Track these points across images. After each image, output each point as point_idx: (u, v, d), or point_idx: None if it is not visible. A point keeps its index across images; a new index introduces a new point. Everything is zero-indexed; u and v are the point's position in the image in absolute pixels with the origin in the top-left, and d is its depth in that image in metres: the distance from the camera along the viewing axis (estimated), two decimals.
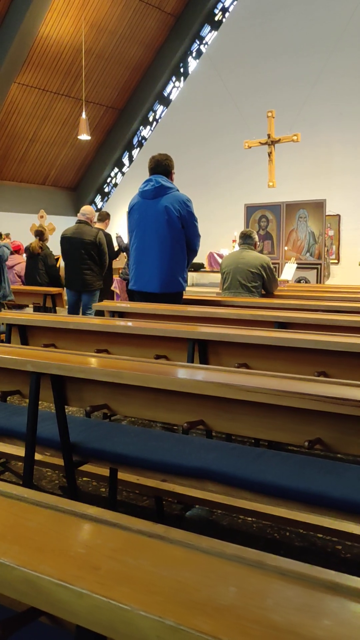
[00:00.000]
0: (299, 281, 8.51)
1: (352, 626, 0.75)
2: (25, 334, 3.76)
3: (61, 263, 7.51)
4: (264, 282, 5.19)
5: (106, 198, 17.18)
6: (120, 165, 16.82)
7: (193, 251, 4.49)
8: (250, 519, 2.65)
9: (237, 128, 13.14)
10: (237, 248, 5.66)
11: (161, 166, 4.44)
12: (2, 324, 4.21)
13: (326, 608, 0.80)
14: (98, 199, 17.31)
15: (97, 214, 7.42)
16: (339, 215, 12.13)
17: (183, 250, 4.40)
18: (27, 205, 15.22)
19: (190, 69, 15.20)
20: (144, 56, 15.14)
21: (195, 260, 6.50)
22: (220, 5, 14.53)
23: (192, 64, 15.16)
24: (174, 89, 15.62)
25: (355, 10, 11.88)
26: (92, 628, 0.84)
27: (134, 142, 16.50)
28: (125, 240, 6.49)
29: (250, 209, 9.21)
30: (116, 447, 2.29)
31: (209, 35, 14.79)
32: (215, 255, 12.00)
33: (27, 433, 2.28)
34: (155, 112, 16.04)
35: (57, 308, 7.57)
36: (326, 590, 0.84)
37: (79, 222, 6.68)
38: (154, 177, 4.40)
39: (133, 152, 16.55)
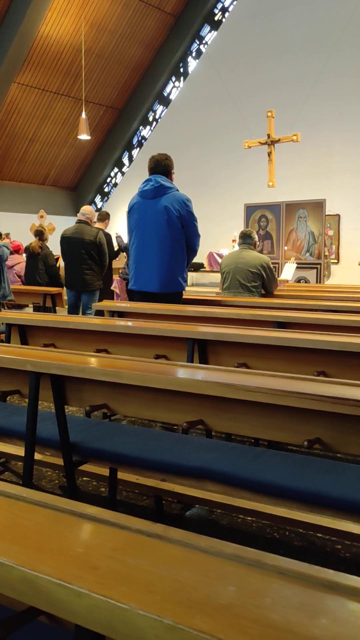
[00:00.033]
0: (298, 281, 8.51)
1: (350, 625, 0.75)
2: (25, 333, 3.76)
3: (61, 263, 7.51)
4: (263, 282, 5.19)
5: (106, 198, 17.18)
6: (120, 165, 16.82)
7: (193, 251, 4.49)
8: (249, 518, 2.66)
9: (236, 128, 13.14)
10: (236, 248, 5.66)
11: (161, 166, 4.44)
12: (2, 323, 4.21)
13: (324, 607, 0.80)
14: (98, 198, 17.32)
15: (96, 213, 7.42)
16: (338, 215, 12.14)
17: (183, 250, 4.40)
18: (27, 205, 15.22)
19: (190, 69, 15.20)
20: (144, 56, 15.14)
21: (195, 260, 6.50)
22: (220, 5, 14.53)
23: (192, 63, 15.16)
24: (174, 89, 15.62)
25: (355, 10, 11.88)
26: (91, 627, 0.84)
27: (134, 142, 16.50)
28: (125, 240, 6.49)
29: (250, 209, 9.21)
30: (116, 447, 2.29)
31: (209, 35, 14.79)
32: (215, 255, 12.01)
33: (27, 433, 2.29)
34: (155, 112, 16.05)
35: (56, 308, 7.57)
36: (325, 590, 0.84)
37: (79, 222, 6.68)
38: (154, 177, 4.40)
39: (133, 152, 16.55)
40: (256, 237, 5.49)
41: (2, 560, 0.94)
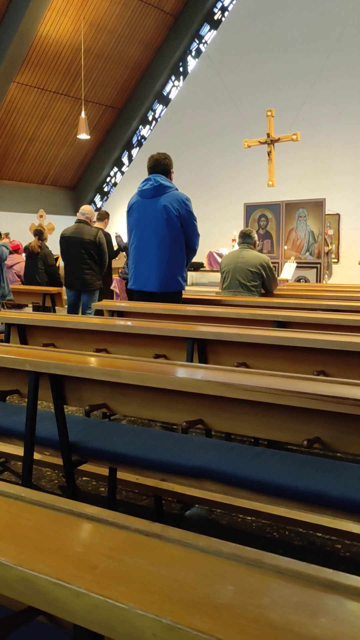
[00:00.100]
0: (298, 280, 8.51)
1: (349, 624, 0.75)
2: (25, 333, 3.76)
3: (60, 262, 7.51)
4: (263, 281, 5.19)
5: (105, 197, 17.18)
6: (120, 164, 16.82)
7: (192, 250, 4.48)
8: (249, 518, 2.65)
9: (236, 127, 13.14)
10: (236, 247, 5.66)
11: (160, 165, 4.43)
12: (2, 323, 4.21)
13: (324, 606, 0.80)
14: (97, 198, 17.31)
15: (96, 213, 7.41)
16: (338, 215, 12.13)
17: (182, 249, 4.40)
18: (26, 204, 15.22)
19: (190, 68, 15.19)
20: (143, 55, 15.14)
21: (195, 259, 6.51)
22: (219, 5, 14.53)
23: (192, 63, 15.16)
24: (174, 88, 15.61)
25: (354, 10, 11.88)
26: (90, 627, 0.84)
27: (134, 142, 16.50)
28: (125, 239, 6.49)
29: (249, 208, 9.21)
30: (115, 447, 2.29)
31: (208, 35, 14.78)
32: (215, 255, 12.01)
33: (26, 432, 2.28)
34: (154, 111, 16.04)
35: (56, 307, 7.57)
36: (324, 589, 0.84)
37: (78, 221, 6.67)
38: (153, 177, 4.39)
39: (132, 151, 16.55)
40: (256, 237, 5.49)
41: (1, 560, 0.93)
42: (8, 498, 1.18)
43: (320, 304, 4.31)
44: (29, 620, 0.98)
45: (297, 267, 7.99)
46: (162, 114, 15.79)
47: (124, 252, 8.12)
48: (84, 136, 13.33)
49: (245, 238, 5.39)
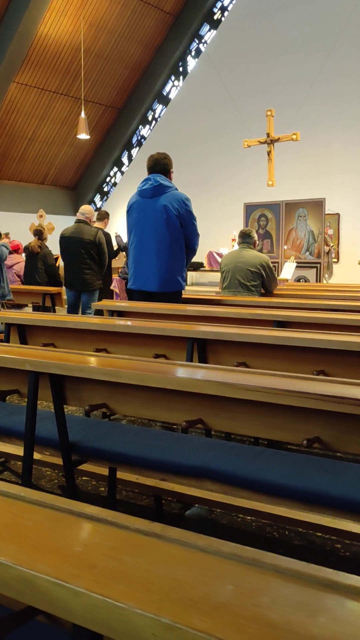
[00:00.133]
0: (298, 280, 8.51)
1: (349, 623, 0.75)
2: (24, 333, 3.76)
3: (60, 262, 7.51)
4: (263, 281, 5.19)
5: (105, 197, 17.18)
6: (120, 164, 16.82)
7: (192, 250, 4.48)
8: (249, 517, 2.65)
9: (236, 127, 13.13)
10: (236, 247, 5.66)
11: (159, 165, 4.43)
12: (2, 323, 4.21)
13: (323, 606, 0.80)
14: (97, 198, 17.31)
15: (96, 213, 7.41)
16: (338, 214, 12.13)
17: (182, 249, 4.40)
18: (26, 204, 15.22)
19: (190, 68, 15.19)
20: (143, 55, 15.13)
21: (195, 259, 6.50)
22: (219, 4, 14.52)
23: (191, 63, 15.16)
24: (173, 88, 15.61)
25: (354, 10, 11.88)
26: (89, 626, 0.84)
27: (133, 142, 16.50)
28: (125, 239, 6.49)
29: (249, 208, 9.21)
30: (115, 446, 2.29)
31: (208, 34, 14.78)
32: (215, 255, 12.01)
33: (26, 432, 2.28)
34: (154, 111, 16.04)
35: (56, 307, 7.56)
36: (323, 588, 0.83)
37: (78, 221, 6.67)
38: (153, 176, 4.39)
39: (132, 151, 16.55)
40: (256, 236, 5.49)
41: (1, 560, 0.93)
42: (8, 498, 1.18)
43: (320, 303, 4.31)
44: (29, 619, 0.98)
45: (296, 266, 7.99)
46: (162, 113, 15.78)
47: (124, 252, 8.12)
48: (83, 136, 13.33)
49: (245, 238, 5.39)
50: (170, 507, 2.84)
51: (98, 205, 17.08)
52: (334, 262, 11.57)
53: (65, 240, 6.62)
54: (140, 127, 16.34)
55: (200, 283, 13.26)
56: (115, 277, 8.20)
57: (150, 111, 16.08)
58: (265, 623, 0.75)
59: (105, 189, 17.18)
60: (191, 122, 14.56)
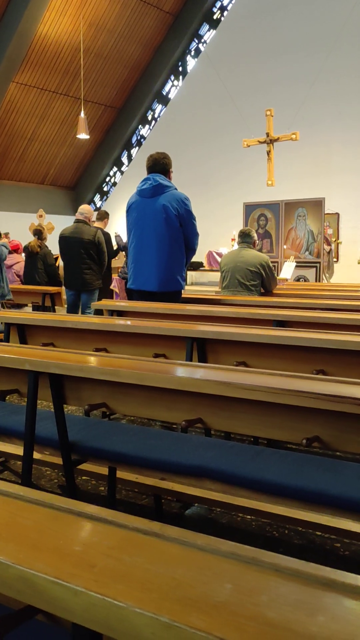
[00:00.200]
0: (297, 279, 8.51)
1: (347, 622, 0.75)
2: (24, 333, 3.76)
3: (60, 262, 7.50)
4: (262, 280, 5.19)
5: (105, 197, 17.17)
6: (119, 164, 16.81)
7: (191, 250, 4.48)
8: (249, 517, 2.65)
9: (236, 127, 13.13)
10: (236, 247, 5.66)
11: (159, 165, 4.43)
12: (1, 323, 4.21)
13: (322, 605, 0.80)
14: (97, 198, 17.31)
15: (95, 213, 7.41)
16: (337, 214, 12.13)
17: (181, 248, 4.40)
18: (26, 204, 15.22)
19: (189, 68, 15.19)
20: (143, 55, 15.13)
21: (195, 259, 6.51)
22: (218, 4, 14.52)
23: (191, 62, 15.15)
24: (173, 88, 15.61)
25: (354, 9, 11.87)
26: (88, 625, 0.84)
27: (133, 141, 16.49)
28: (124, 239, 6.49)
29: (249, 208, 9.20)
30: (115, 446, 2.29)
31: (208, 34, 14.78)
32: (214, 254, 12.01)
33: (26, 432, 2.29)
34: (154, 111, 16.03)
35: (56, 307, 7.56)
36: (321, 587, 0.84)
37: (77, 221, 6.67)
38: (152, 176, 4.39)
39: (132, 151, 16.54)
40: (255, 236, 5.49)
41: (0, 559, 0.93)
42: (7, 497, 1.18)
43: (319, 303, 4.31)
44: (28, 619, 0.98)
45: (296, 266, 7.99)
46: (162, 113, 15.78)
47: (124, 252, 8.12)
48: (83, 136, 13.32)
49: (244, 237, 5.39)
50: (170, 506, 2.84)
51: (98, 205, 17.07)
52: (333, 261, 11.57)
53: (65, 240, 6.61)
54: (139, 127, 16.34)
55: (199, 283, 13.26)
56: (114, 276, 8.20)
57: (149, 111, 16.07)
58: (264, 622, 0.75)
59: (105, 189, 17.18)
60: (191, 122, 14.55)
